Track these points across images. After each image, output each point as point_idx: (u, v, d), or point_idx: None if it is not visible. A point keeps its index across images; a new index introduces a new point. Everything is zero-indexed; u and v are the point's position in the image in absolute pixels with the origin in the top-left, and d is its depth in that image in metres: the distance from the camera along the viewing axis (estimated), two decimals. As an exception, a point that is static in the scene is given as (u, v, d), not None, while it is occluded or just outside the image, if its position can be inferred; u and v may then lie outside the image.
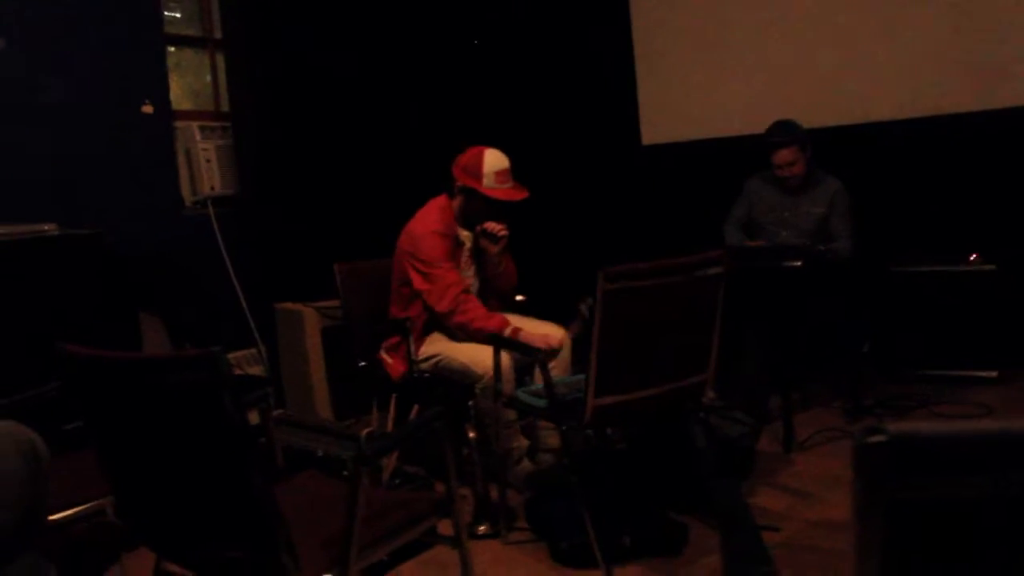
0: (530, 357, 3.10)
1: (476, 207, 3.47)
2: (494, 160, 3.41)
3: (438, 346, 3.48)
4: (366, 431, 2.31)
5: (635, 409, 2.76)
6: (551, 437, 3.48)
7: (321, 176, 4.76)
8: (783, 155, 4.05)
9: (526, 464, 3.48)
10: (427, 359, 3.49)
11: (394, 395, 3.51)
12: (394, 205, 3.72)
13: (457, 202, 3.53)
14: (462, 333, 3.40)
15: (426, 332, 3.54)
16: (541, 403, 2.91)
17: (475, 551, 2.83)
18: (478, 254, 3.60)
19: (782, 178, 4.13)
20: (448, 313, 3.38)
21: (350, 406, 4.25)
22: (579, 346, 3.33)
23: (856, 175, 4.22)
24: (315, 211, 4.70)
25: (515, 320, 3.45)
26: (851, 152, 4.51)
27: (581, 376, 2.89)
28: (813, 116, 4.46)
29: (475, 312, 3.35)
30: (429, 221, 3.47)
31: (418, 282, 3.44)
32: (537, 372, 3.24)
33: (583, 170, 5.50)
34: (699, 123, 5.15)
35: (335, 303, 3.89)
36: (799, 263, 3.73)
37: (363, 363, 3.59)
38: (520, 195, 3.42)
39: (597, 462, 3.16)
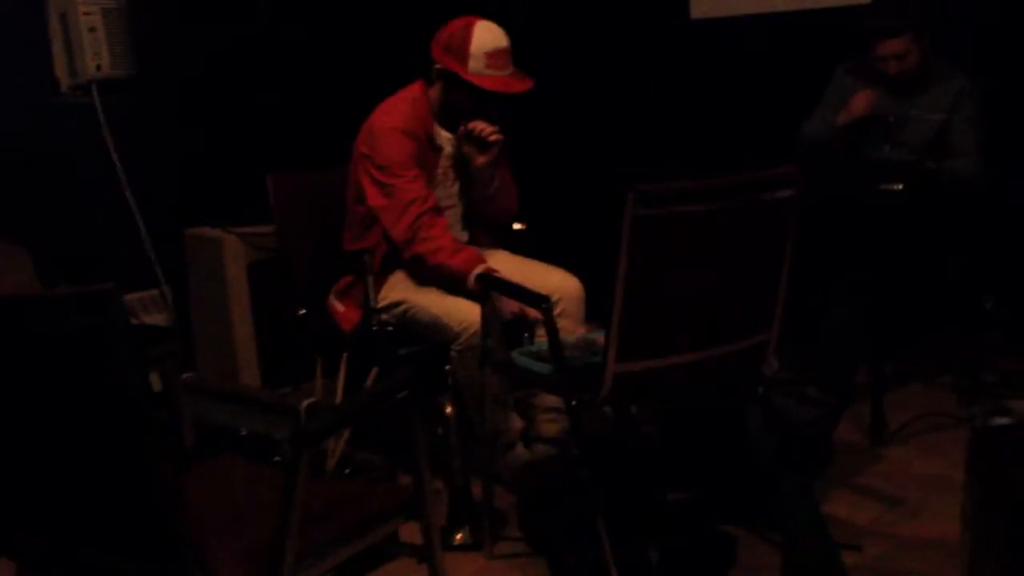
0: (530, 303, 3.13)
1: (459, 99, 3.49)
2: (487, 36, 3.43)
3: (402, 290, 3.53)
4: (307, 402, 2.60)
5: (670, 380, 2.78)
6: (553, 423, 3.52)
7: (254, 54, 4.70)
8: (892, 46, 3.98)
9: (521, 452, 3.53)
10: (390, 307, 3.55)
11: (345, 354, 3.53)
12: (354, 96, 3.71)
13: (435, 91, 3.56)
14: (420, 271, 3.45)
15: (387, 269, 3.57)
16: (544, 369, 2.93)
17: (451, 566, 2.82)
18: (464, 167, 3.63)
19: (888, 74, 4.07)
20: (405, 242, 3.42)
21: (286, 369, 4.25)
22: (596, 293, 3.39)
23: (998, 68, 4.17)
24: (243, 102, 4.64)
25: (504, 263, 3.47)
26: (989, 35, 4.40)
27: (599, 333, 2.91)
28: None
29: (438, 242, 3.37)
30: (394, 115, 3.50)
31: (373, 196, 3.47)
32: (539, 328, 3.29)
33: (608, 54, 5.45)
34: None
35: (267, 229, 3.92)
36: (900, 186, 3.73)
37: (304, 311, 3.63)
38: (520, 85, 3.45)
39: (617, 451, 3.19)
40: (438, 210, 3.47)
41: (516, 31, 3.54)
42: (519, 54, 3.52)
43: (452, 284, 3.36)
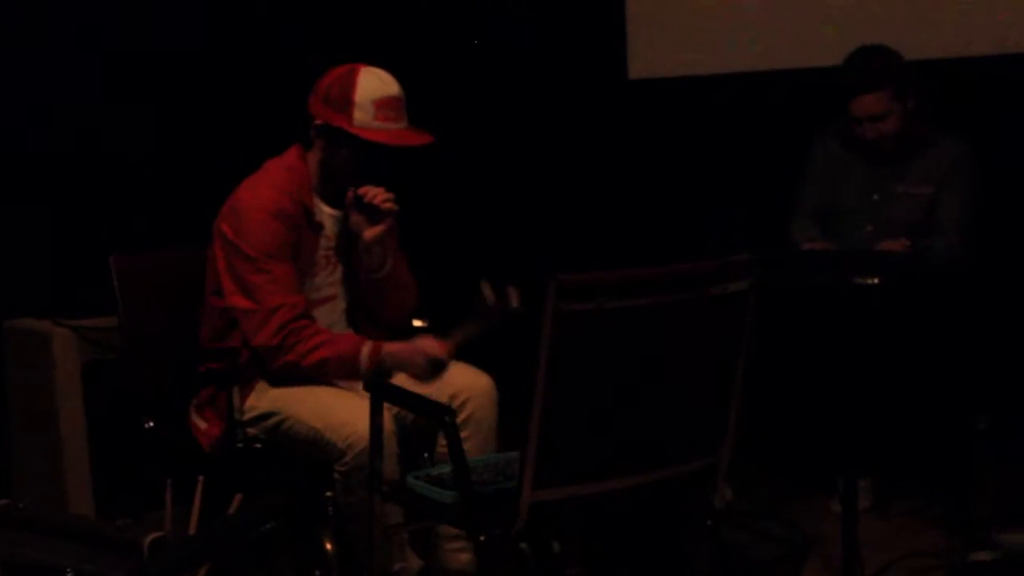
0: (429, 416, 3.17)
1: (344, 160, 3.52)
2: (374, 83, 3.48)
3: (273, 398, 3.51)
4: (152, 536, 2.50)
5: (599, 511, 2.85)
6: (459, 555, 3.50)
7: (94, 98, 4.63)
8: (867, 104, 4.06)
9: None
10: (258, 418, 3.53)
11: (201, 477, 3.32)
12: (223, 162, 3.76)
13: (315, 155, 3.58)
14: (295, 378, 3.46)
15: (254, 373, 3.55)
16: (446, 496, 2.92)
17: None
18: (348, 249, 3.63)
19: (866, 141, 4.15)
20: (270, 351, 3.41)
21: (127, 495, 4.12)
22: (511, 408, 3.31)
23: (995, 136, 4.29)
24: (81, 159, 4.57)
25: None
26: (984, 100, 4.53)
27: (513, 454, 2.93)
28: (924, 42, 4.47)
29: (313, 340, 3.41)
30: (264, 191, 3.50)
31: (234, 294, 3.47)
32: (440, 441, 3.38)
33: (531, 115, 5.47)
34: (725, 47, 5.14)
35: (108, 322, 3.90)
36: (875, 280, 3.65)
37: (152, 423, 3.61)
38: (416, 139, 3.50)
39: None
40: (309, 316, 3.47)
41: (413, 87, 3.58)
42: (416, 115, 3.56)
43: (343, 377, 3.44)
